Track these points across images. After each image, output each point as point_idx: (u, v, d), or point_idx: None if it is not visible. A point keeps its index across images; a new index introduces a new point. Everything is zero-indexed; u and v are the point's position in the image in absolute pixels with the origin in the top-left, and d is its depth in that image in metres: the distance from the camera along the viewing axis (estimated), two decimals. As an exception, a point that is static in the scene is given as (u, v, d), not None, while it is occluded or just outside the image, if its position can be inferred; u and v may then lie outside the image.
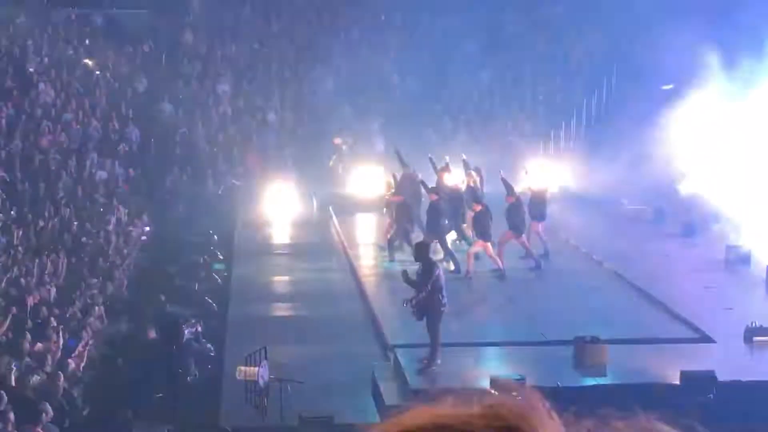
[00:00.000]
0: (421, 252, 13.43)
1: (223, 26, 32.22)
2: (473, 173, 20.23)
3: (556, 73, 30.77)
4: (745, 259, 19.17)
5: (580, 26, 30.63)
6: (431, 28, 31.40)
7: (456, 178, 19.85)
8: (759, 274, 18.22)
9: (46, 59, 29.44)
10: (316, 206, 23.86)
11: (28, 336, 14.46)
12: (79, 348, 14.47)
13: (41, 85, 28.14)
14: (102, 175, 25.28)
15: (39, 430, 11.96)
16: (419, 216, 19.47)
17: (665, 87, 25.03)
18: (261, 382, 12.36)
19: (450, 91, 30.16)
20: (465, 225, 19.35)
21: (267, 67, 31.19)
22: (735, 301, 16.55)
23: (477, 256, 18.25)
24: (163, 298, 17.38)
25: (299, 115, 29.64)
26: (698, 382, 12.47)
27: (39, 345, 14.29)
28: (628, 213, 24.16)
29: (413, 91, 29.83)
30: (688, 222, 21.91)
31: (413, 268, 13.61)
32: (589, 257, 20.00)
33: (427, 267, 13.20)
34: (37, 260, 18.14)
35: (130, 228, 21.93)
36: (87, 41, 30.39)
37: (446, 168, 20.07)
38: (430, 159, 20.90)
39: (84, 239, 20.14)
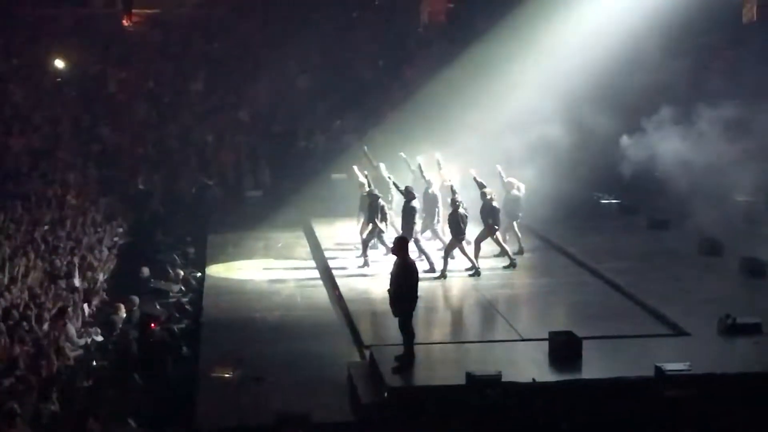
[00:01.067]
0: (399, 247, 13.39)
1: (196, 24, 32.11)
2: (445, 173, 20.12)
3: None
4: (718, 251, 19.29)
5: None
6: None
7: (435, 178, 19.74)
8: (731, 266, 18.33)
9: (15, 60, 29.25)
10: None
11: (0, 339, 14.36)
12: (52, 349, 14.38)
13: (10, 86, 27.98)
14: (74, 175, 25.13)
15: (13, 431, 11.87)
16: (392, 216, 19.44)
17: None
18: (236, 381, 12.32)
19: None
20: (439, 224, 19.33)
21: (240, 65, 31.05)
22: (708, 293, 16.63)
23: (452, 256, 18.26)
24: (137, 298, 17.28)
25: (273, 114, 29.51)
26: (672, 375, 12.53)
27: (11, 347, 14.18)
28: (602, 207, 24.30)
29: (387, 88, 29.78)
30: (659, 214, 22.03)
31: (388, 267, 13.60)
32: (564, 253, 20.05)
33: (403, 263, 13.19)
34: (8, 263, 18.01)
35: (103, 229, 21.80)
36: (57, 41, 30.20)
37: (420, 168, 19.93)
38: (403, 157, 20.85)
39: (56, 241, 20.00)
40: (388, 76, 30.94)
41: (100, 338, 16.05)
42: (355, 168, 20.34)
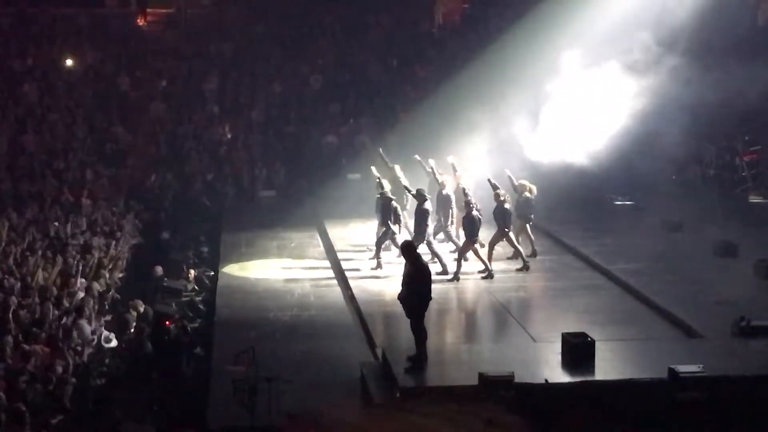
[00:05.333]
0: (407, 251, 13.41)
1: (210, 24, 32.17)
2: (461, 175, 20.07)
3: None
4: (732, 252, 19.21)
5: None
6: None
7: (449, 180, 19.70)
8: (746, 268, 18.24)
9: (29, 60, 29.36)
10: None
11: (10, 339, 14.40)
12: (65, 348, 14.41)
13: (25, 85, 28.08)
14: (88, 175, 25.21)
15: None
16: (405, 218, 19.42)
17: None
18: (249, 381, 12.32)
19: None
20: (452, 225, 19.30)
21: (253, 66, 31.06)
22: (722, 296, 16.55)
23: (465, 258, 18.25)
24: (140, 302, 17.25)
25: (286, 114, 29.50)
26: (686, 377, 12.49)
27: (24, 347, 14.21)
28: (615, 208, 24.23)
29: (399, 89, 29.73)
30: (673, 216, 21.95)
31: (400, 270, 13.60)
32: (577, 255, 19.99)
33: (414, 265, 13.18)
34: (22, 262, 18.07)
35: (116, 228, 21.84)
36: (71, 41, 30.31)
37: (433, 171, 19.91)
38: (417, 159, 20.84)
39: (70, 240, 20.06)
40: (402, 77, 30.91)
41: (113, 338, 16.06)
42: (373, 169, 20.24)
